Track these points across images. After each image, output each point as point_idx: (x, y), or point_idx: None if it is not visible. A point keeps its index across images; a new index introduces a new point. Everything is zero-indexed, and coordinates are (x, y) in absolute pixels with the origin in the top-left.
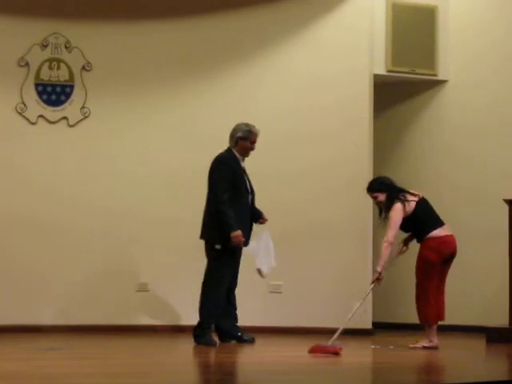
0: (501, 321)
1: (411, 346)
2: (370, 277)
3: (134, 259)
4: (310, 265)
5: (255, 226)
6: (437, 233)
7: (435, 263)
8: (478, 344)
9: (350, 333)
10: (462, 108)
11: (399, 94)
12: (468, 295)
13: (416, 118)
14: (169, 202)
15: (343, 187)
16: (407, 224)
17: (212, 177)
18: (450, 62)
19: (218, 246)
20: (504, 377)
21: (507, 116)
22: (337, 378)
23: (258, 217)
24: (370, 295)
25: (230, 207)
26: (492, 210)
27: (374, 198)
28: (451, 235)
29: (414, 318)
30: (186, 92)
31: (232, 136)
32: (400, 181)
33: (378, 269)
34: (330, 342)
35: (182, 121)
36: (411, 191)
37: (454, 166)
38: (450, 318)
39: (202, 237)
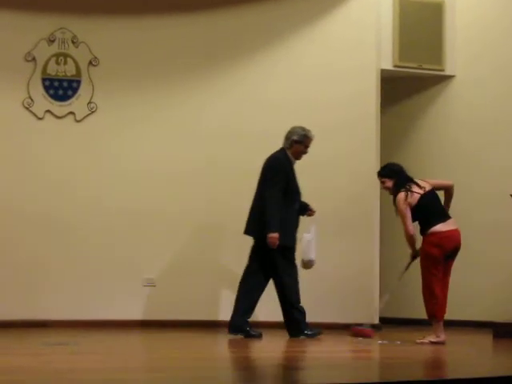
0: (508, 316)
1: (418, 341)
2: (377, 271)
3: (142, 255)
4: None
5: (303, 218)
6: (439, 228)
7: (437, 258)
8: (485, 339)
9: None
10: (469, 103)
11: (406, 89)
12: (475, 291)
13: (423, 113)
14: (175, 198)
15: (350, 182)
16: (412, 214)
17: (267, 176)
18: (457, 58)
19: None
20: (511, 372)
21: None
22: (344, 373)
23: (305, 209)
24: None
25: (279, 208)
26: (499, 205)
27: (382, 183)
28: (455, 229)
29: (421, 314)
30: (193, 88)
31: (287, 138)
32: None
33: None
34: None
35: (189, 116)
36: (419, 182)
37: (461, 160)
38: (458, 313)
39: (249, 233)
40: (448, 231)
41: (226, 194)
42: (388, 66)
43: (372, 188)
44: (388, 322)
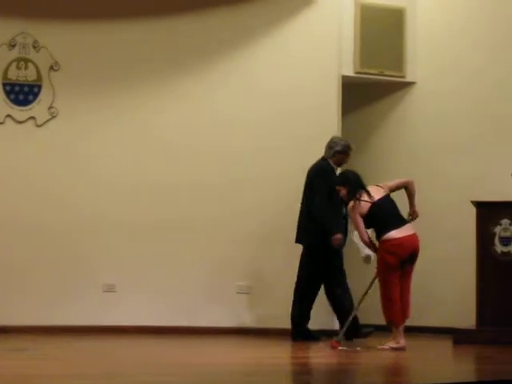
0: (468, 322)
1: (379, 347)
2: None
3: (101, 260)
4: (279, 266)
5: None
6: (392, 234)
7: (393, 265)
8: (446, 345)
9: (321, 334)
10: (429, 110)
11: (367, 95)
12: (435, 297)
13: (384, 119)
14: (136, 204)
15: None
16: (366, 222)
17: (312, 185)
18: (418, 64)
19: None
20: (471, 378)
21: (475, 120)
22: (303, 379)
23: None
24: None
25: (330, 213)
26: (459, 212)
27: (338, 192)
28: (410, 235)
29: (381, 320)
30: (153, 92)
31: (330, 148)
32: (368, 182)
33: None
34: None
35: (148, 121)
36: (371, 190)
37: (420, 167)
38: (418, 319)
39: (299, 242)
40: (402, 238)
41: (184, 198)
42: (349, 72)
43: None
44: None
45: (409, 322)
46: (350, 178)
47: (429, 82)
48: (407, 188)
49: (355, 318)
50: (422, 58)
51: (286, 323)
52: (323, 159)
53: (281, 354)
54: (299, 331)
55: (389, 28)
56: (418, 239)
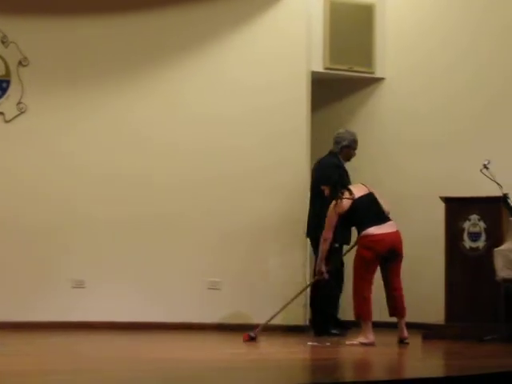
0: (437, 318)
1: (348, 342)
2: (306, 275)
3: (72, 256)
4: (250, 262)
5: None
6: (371, 231)
7: (369, 261)
8: (415, 341)
9: (287, 329)
10: (399, 106)
11: (337, 91)
12: (405, 292)
13: (353, 115)
14: (106, 199)
15: (281, 186)
16: (345, 221)
17: (321, 180)
18: (387, 60)
19: (337, 245)
20: (439, 373)
21: (442, 111)
22: (272, 374)
23: None
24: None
25: None
26: (429, 209)
27: (323, 191)
28: (390, 232)
29: (351, 315)
30: (124, 88)
31: (337, 143)
32: None
33: (319, 267)
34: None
35: (119, 117)
36: (353, 189)
37: (389, 162)
38: (387, 314)
39: (308, 236)
40: (381, 234)
41: (156, 194)
42: (319, 68)
43: (303, 194)
44: None
45: (378, 318)
46: (333, 179)
47: (398, 78)
48: None
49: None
50: (391, 54)
51: (255, 319)
52: (331, 154)
53: (253, 350)
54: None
55: (358, 24)
56: (400, 237)
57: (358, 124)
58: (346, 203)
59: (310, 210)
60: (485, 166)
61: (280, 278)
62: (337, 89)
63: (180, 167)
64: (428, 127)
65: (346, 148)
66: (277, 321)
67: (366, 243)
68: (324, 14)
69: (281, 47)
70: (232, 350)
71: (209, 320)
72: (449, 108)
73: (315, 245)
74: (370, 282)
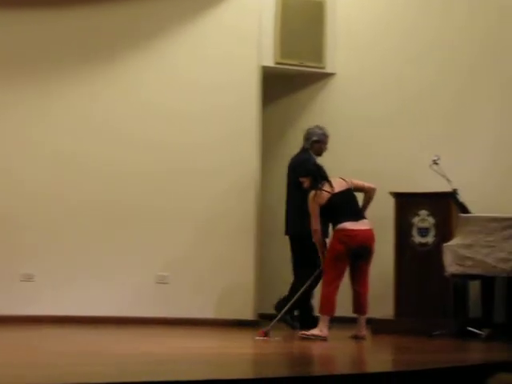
0: (384, 312)
1: (301, 333)
2: (252, 267)
3: (21, 249)
4: (198, 257)
5: None
6: (346, 225)
7: (340, 254)
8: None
9: (235, 324)
10: (349, 101)
11: (288, 86)
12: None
13: (304, 110)
14: (57, 192)
15: (232, 184)
16: (323, 213)
17: (309, 171)
18: (337, 55)
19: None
20: (388, 368)
21: (393, 107)
22: (219, 368)
23: None
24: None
25: None
26: (379, 204)
27: (302, 183)
28: (364, 229)
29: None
30: (81, 81)
31: (307, 139)
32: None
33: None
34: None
35: (78, 108)
36: (333, 182)
37: (339, 159)
38: (339, 309)
39: (287, 233)
40: (355, 230)
41: (113, 185)
42: (269, 63)
43: (252, 190)
44: (267, 318)
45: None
46: (312, 170)
47: (348, 74)
48: (366, 193)
49: (309, 310)
50: (342, 50)
51: (207, 313)
52: (303, 150)
53: (203, 344)
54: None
55: (309, 20)
56: (373, 236)
57: (309, 118)
58: (325, 195)
59: (287, 207)
60: (434, 162)
61: (229, 275)
62: (288, 84)
63: (131, 160)
64: (378, 122)
65: (316, 143)
66: (226, 315)
67: (340, 237)
68: (275, 9)
69: (232, 42)
70: (180, 344)
71: (159, 314)
72: (399, 104)
73: (297, 241)
74: (338, 278)
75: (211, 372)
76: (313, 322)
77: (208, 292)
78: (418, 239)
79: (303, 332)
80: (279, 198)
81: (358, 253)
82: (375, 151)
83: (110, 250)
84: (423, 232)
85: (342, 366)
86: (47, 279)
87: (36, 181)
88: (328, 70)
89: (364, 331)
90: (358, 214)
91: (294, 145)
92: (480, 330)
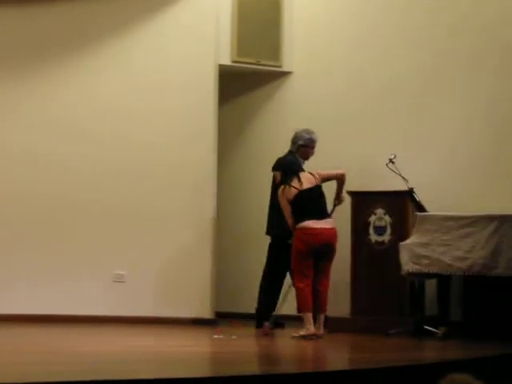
0: (342, 311)
1: (294, 335)
2: (209, 265)
3: None
4: (155, 255)
5: None
6: (307, 224)
7: (302, 253)
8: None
9: (192, 322)
10: (306, 99)
11: (244, 85)
12: None
13: (260, 109)
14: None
15: (188, 182)
16: (292, 208)
17: (280, 166)
18: (294, 54)
19: (290, 241)
20: (344, 366)
21: (350, 107)
22: (175, 366)
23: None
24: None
25: None
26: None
27: (275, 178)
28: (326, 228)
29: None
30: (43, 77)
31: (294, 143)
32: (243, 172)
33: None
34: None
35: (37, 104)
36: (303, 177)
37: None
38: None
39: (269, 233)
40: (316, 229)
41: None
42: (226, 61)
43: (207, 185)
44: (223, 317)
45: (288, 311)
46: (282, 164)
47: (305, 72)
48: (338, 180)
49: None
50: (299, 48)
51: (164, 311)
52: (289, 153)
53: (162, 343)
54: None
55: (266, 17)
56: (336, 235)
57: (264, 117)
58: (293, 191)
59: (269, 207)
60: (390, 161)
61: (185, 273)
62: (244, 82)
63: (90, 155)
64: (333, 120)
65: (303, 147)
66: (184, 313)
67: (301, 236)
68: (232, 8)
69: (188, 40)
70: (139, 342)
71: (116, 313)
72: (359, 104)
73: (276, 243)
74: (305, 275)
75: (167, 370)
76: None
77: (165, 290)
78: (374, 238)
79: (293, 335)
80: (234, 196)
81: (320, 251)
82: (333, 151)
83: (65, 248)
84: (380, 230)
85: (298, 365)
86: (7, 278)
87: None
88: (285, 68)
89: (322, 330)
90: (322, 213)
91: (250, 143)
92: (436, 328)
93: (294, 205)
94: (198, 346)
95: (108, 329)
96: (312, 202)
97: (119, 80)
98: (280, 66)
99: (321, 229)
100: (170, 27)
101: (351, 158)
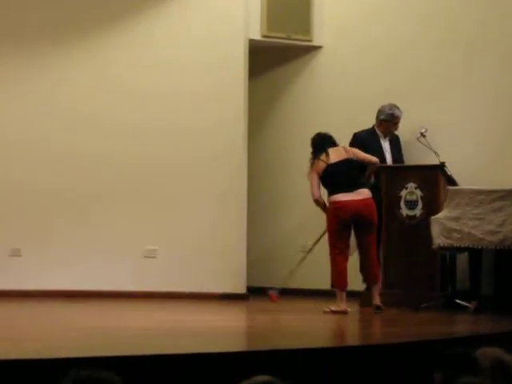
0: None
1: (325, 309)
2: (244, 242)
3: (7, 225)
4: (186, 230)
5: None
6: (336, 197)
7: (334, 228)
8: (352, 309)
9: (227, 297)
10: (336, 74)
11: (274, 59)
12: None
13: (291, 83)
14: (39, 169)
15: (219, 154)
16: (322, 182)
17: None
18: (324, 28)
19: None
20: (377, 340)
21: (381, 85)
22: (210, 341)
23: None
24: None
25: None
26: None
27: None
28: (356, 200)
29: (291, 283)
30: (54, 60)
31: (377, 117)
32: (274, 147)
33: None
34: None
35: (47, 90)
36: (331, 152)
37: (328, 130)
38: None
39: None
40: (344, 201)
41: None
42: (256, 35)
43: (239, 160)
44: (255, 292)
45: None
46: (314, 141)
47: (335, 46)
48: (369, 167)
49: None
50: (329, 22)
51: (196, 287)
52: (372, 127)
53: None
54: None
55: None
56: (369, 206)
57: (295, 92)
58: (321, 165)
59: None
60: (422, 134)
61: (216, 249)
62: (274, 57)
63: (113, 141)
64: (365, 93)
65: (384, 122)
66: (216, 289)
67: (331, 210)
68: None
69: (219, 14)
70: (173, 317)
71: (146, 288)
72: (387, 74)
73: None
74: (340, 250)
75: (201, 345)
76: None
77: (198, 265)
78: (405, 212)
79: (324, 309)
80: (264, 171)
81: (355, 224)
82: (364, 127)
83: (97, 225)
84: (411, 205)
85: (328, 339)
86: (34, 254)
87: (17, 162)
88: (315, 43)
89: (378, 300)
90: (352, 185)
91: (280, 117)
92: (468, 302)
93: (324, 179)
94: (234, 321)
95: (138, 304)
96: (340, 175)
97: (140, 62)
98: (310, 41)
99: (349, 201)
100: (197, 3)
101: None
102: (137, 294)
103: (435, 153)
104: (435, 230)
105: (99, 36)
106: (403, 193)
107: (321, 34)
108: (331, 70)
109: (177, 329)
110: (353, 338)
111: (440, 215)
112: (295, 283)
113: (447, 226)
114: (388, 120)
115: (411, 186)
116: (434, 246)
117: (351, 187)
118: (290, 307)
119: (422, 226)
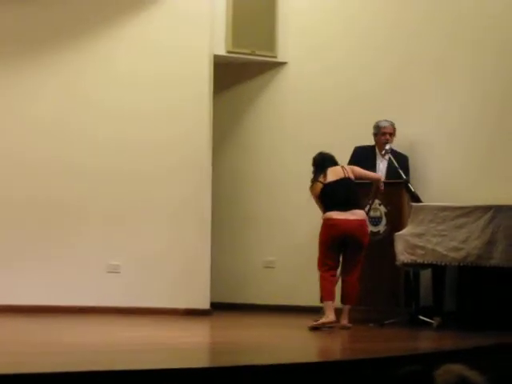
0: (337, 301)
1: (314, 323)
2: (208, 257)
3: None
4: (149, 245)
5: None
6: (330, 215)
7: (324, 243)
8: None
9: (190, 313)
10: (301, 90)
11: (239, 75)
12: (299, 276)
13: (255, 99)
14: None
15: (181, 168)
16: (321, 202)
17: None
18: (289, 44)
19: None
20: (341, 356)
21: (345, 101)
22: (171, 357)
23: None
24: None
25: None
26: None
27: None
28: (349, 220)
29: (254, 299)
30: (25, 72)
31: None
32: (238, 163)
33: None
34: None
35: (18, 99)
36: (329, 172)
37: (291, 144)
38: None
39: None
40: (338, 219)
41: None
42: (221, 51)
43: (203, 175)
44: (219, 308)
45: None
46: (315, 159)
47: (300, 63)
48: (373, 184)
49: None
50: (294, 38)
51: (159, 302)
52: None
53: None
54: None
55: (261, 7)
56: (360, 227)
57: (260, 108)
58: (318, 186)
59: None
60: (386, 151)
61: (180, 264)
62: (239, 73)
63: (74, 153)
64: (329, 110)
65: (375, 136)
66: (172, 304)
67: (323, 226)
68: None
69: (184, 29)
70: (135, 333)
71: (109, 303)
72: (349, 92)
73: None
74: (328, 265)
75: (164, 361)
76: None
77: (161, 280)
78: (369, 228)
79: (313, 324)
80: (229, 185)
81: (343, 242)
82: (326, 142)
83: (60, 239)
84: (375, 221)
85: (292, 355)
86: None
87: None
88: (279, 59)
89: (347, 320)
90: (347, 204)
91: (245, 133)
92: (431, 318)
93: (321, 198)
94: (196, 337)
95: (103, 320)
96: (336, 194)
97: (102, 76)
98: (275, 57)
99: (342, 220)
100: (163, 16)
101: (344, 150)
102: (100, 309)
103: (399, 170)
104: (399, 246)
105: (67, 50)
106: (367, 209)
107: (285, 50)
108: (296, 86)
109: (139, 344)
110: (318, 353)
111: (404, 231)
112: (259, 299)
113: (411, 242)
114: (376, 133)
115: (375, 202)
116: (397, 263)
117: (346, 206)
118: (254, 323)
119: (386, 243)
